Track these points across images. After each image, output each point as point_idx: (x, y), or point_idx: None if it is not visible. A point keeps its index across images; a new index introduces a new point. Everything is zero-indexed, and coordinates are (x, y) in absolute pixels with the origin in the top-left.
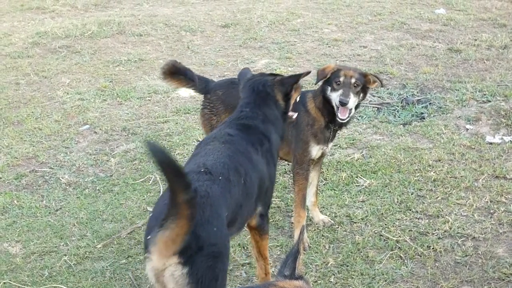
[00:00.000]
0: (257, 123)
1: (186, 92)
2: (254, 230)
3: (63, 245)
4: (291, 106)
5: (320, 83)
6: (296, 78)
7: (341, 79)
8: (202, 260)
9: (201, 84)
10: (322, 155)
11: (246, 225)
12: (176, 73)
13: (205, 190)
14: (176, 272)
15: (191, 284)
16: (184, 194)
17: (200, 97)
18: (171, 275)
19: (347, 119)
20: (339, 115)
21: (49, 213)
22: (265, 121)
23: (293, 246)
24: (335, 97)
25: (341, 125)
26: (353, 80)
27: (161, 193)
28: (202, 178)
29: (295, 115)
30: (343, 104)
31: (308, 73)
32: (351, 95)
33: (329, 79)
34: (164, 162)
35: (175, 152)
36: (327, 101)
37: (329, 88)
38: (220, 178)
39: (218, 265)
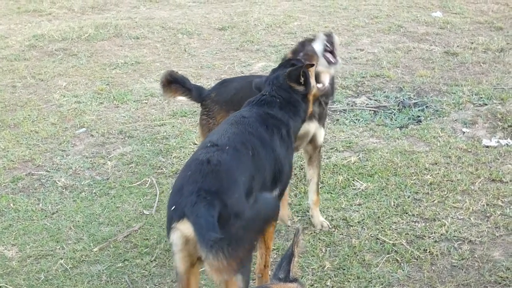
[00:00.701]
0: (274, 109)
1: None
2: None
3: (59, 248)
4: (313, 83)
5: None
6: (298, 69)
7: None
8: (231, 226)
9: (197, 93)
10: (316, 145)
11: None
12: (173, 82)
13: (216, 159)
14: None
15: (222, 250)
16: None
17: None
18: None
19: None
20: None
21: (46, 216)
22: (283, 107)
23: (287, 249)
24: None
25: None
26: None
27: (157, 196)
28: (210, 150)
29: (325, 85)
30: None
31: (311, 65)
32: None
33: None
34: None
35: (171, 155)
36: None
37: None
38: (227, 148)
39: (246, 231)
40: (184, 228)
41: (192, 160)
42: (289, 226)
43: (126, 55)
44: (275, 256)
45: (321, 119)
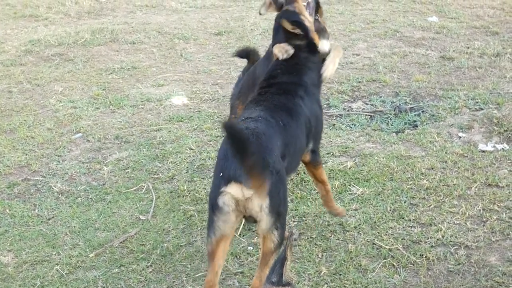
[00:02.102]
0: (281, 77)
1: (179, 100)
2: (309, 164)
3: (55, 254)
4: (313, 31)
5: None
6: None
7: None
8: (274, 187)
9: None
10: None
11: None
12: None
13: (254, 125)
14: (264, 204)
15: (271, 212)
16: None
17: (193, 105)
18: (259, 208)
19: None
20: None
21: (41, 222)
22: (289, 71)
23: (280, 252)
24: None
25: None
26: None
27: (153, 201)
28: (246, 121)
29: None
30: None
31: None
32: None
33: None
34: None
35: (168, 160)
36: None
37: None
38: (260, 119)
39: (283, 189)
40: (233, 191)
41: None
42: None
43: (122, 60)
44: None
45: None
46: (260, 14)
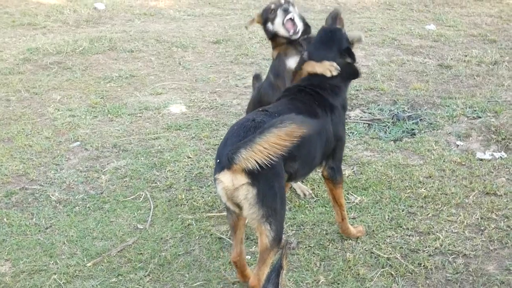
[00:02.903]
0: (320, 90)
1: (177, 109)
2: (327, 180)
3: (52, 263)
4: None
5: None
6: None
7: (272, 6)
8: (265, 181)
9: None
10: None
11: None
12: None
13: (261, 119)
14: (249, 195)
15: (258, 203)
16: None
17: (191, 113)
18: (244, 197)
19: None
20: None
21: (39, 231)
22: (326, 87)
23: (276, 261)
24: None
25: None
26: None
27: (151, 210)
28: (259, 114)
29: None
30: (285, 12)
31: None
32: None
33: (266, 19)
34: None
35: (166, 169)
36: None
37: (269, 23)
38: (276, 114)
39: (276, 184)
40: (225, 178)
41: (241, 119)
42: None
43: (120, 69)
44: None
45: None
46: (246, 28)
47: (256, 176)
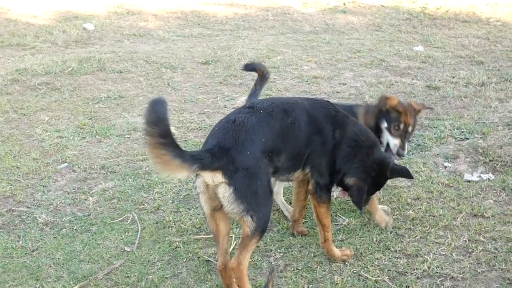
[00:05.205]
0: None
1: None
2: (311, 195)
3: (38, 286)
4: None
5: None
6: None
7: (401, 126)
8: (241, 180)
9: None
10: None
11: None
12: None
13: (241, 120)
14: (226, 193)
15: (237, 200)
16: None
17: (179, 135)
18: (223, 196)
19: None
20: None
21: (25, 253)
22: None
23: (263, 286)
24: (392, 142)
25: None
26: (410, 129)
27: (139, 232)
28: (242, 111)
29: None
30: (399, 155)
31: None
32: (407, 146)
33: (388, 113)
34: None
35: (153, 190)
36: (378, 128)
37: (385, 123)
38: (261, 111)
39: (255, 182)
40: (205, 175)
41: (225, 117)
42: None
43: (109, 89)
44: None
45: None
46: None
47: (232, 175)
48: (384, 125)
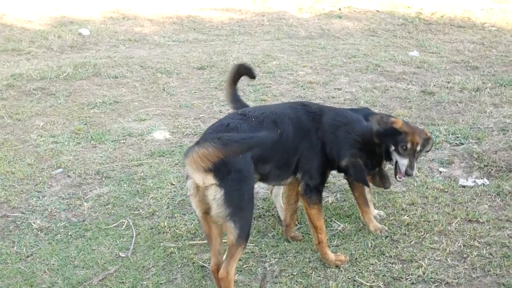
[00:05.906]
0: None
1: (161, 135)
2: (301, 196)
3: None
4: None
5: None
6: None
7: (408, 145)
8: (231, 183)
9: None
10: None
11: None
12: None
13: (235, 125)
14: (217, 195)
15: (225, 203)
16: None
17: (175, 140)
18: (213, 197)
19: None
20: (396, 177)
21: (20, 259)
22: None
23: None
24: (400, 162)
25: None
26: (418, 148)
27: (134, 238)
28: (235, 117)
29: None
30: (407, 175)
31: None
32: (415, 165)
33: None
34: None
35: (148, 196)
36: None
37: (392, 145)
38: (253, 120)
39: (244, 187)
40: (196, 177)
41: (218, 121)
42: (268, 270)
43: (104, 95)
44: None
45: None
46: None
47: (223, 178)
48: (392, 148)
